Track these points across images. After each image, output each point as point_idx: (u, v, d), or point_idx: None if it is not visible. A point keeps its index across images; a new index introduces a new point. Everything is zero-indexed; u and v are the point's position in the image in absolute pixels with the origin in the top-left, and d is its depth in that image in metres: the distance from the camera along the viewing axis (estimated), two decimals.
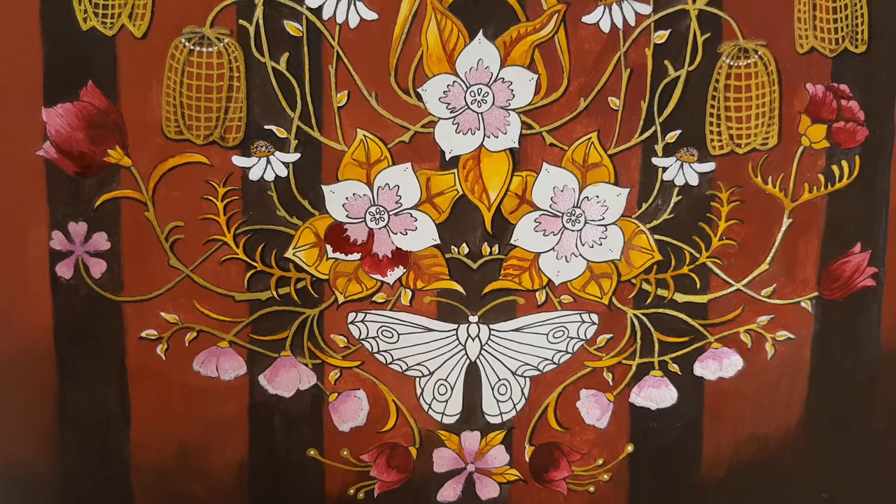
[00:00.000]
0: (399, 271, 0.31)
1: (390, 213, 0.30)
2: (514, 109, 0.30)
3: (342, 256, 0.31)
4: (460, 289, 0.31)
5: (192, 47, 0.29)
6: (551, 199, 0.31)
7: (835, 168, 0.31)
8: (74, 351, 0.31)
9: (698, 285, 0.31)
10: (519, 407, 0.32)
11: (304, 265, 0.31)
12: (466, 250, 0.31)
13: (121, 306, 0.30)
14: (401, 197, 0.30)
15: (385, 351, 0.31)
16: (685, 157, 0.31)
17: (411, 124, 0.30)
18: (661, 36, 0.30)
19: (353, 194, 0.30)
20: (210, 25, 0.29)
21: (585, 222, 0.31)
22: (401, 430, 0.32)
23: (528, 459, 0.33)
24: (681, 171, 0.31)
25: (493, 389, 0.32)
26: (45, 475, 0.32)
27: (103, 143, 0.29)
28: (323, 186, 0.30)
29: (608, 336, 0.32)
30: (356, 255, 0.31)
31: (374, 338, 0.31)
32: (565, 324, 0.32)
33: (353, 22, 0.29)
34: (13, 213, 0.30)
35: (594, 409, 0.32)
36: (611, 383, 0.32)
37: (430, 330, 0.31)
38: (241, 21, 0.29)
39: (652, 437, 0.33)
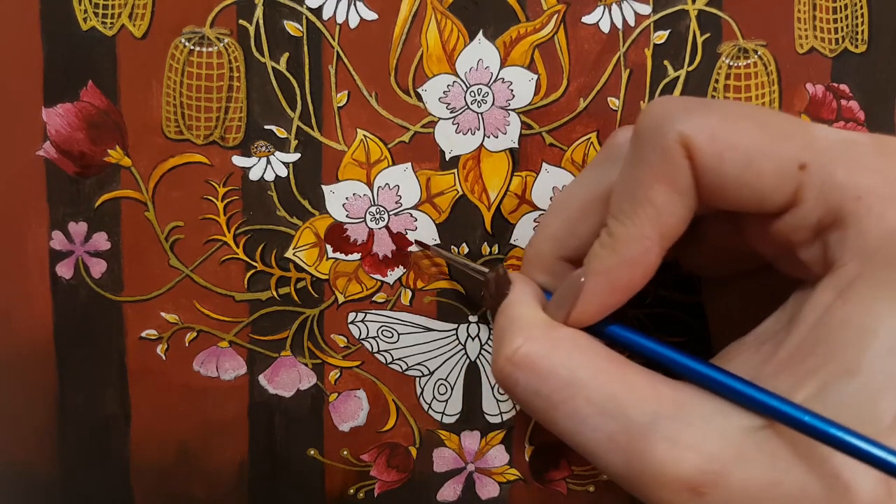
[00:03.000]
0: (399, 271, 0.31)
1: (390, 213, 0.30)
2: (513, 109, 0.30)
3: (342, 256, 0.31)
4: (460, 288, 0.31)
5: (192, 47, 0.29)
6: (551, 199, 0.31)
7: None
8: (74, 351, 0.31)
9: (699, 285, 0.31)
10: (519, 406, 0.32)
11: (304, 265, 0.31)
12: (466, 250, 0.31)
13: (121, 306, 0.30)
14: (401, 197, 0.30)
15: (385, 351, 0.31)
16: None
17: (411, 124, 0.30)
18: (660, 36, 0.30)
19: (353, 194, 0.30)
20: (210, 25, 0.29)
21: None
22: (401, 430, 0.32)
23: (527, 459, 0.33)
24: None
25: (493, 389, 0.32)
26: (45, 475, 0.32)
27: (103, 143, 0.29)
28: (323, 186, 0.30)
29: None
30: (356, 255, 0.31)
31: (374, 338, 0.31)
32: None
33: (353, 22, 0.29)
34: (13, 213, 0.30)
35: None
36: None
37: (430, 330, 0.31)
38: (241, 21, 0.29)
39: None
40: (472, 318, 0.32)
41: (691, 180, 0.21)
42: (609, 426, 0.21)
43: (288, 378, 0.31)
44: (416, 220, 0.30)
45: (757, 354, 0.22)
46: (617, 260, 0.22)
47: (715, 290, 0.29)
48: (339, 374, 0.32)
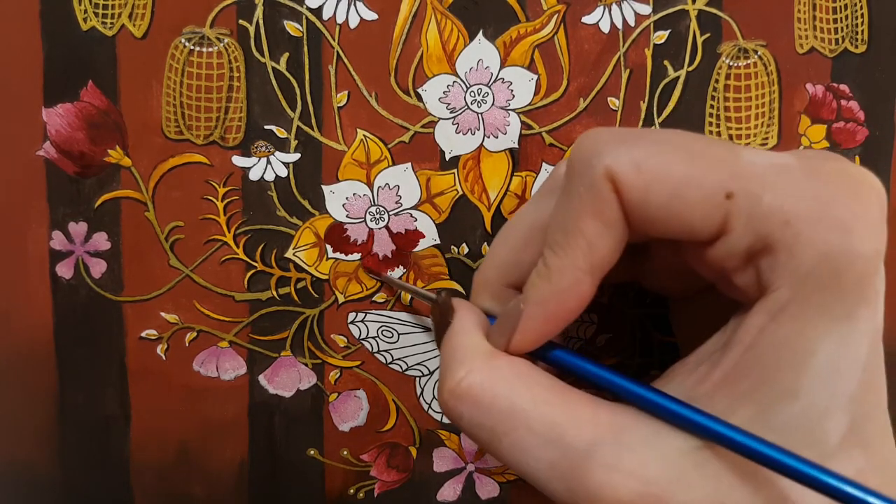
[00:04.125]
0: (399, 271, 0.31)
1: (390, 213, 0.30)
2: (513, 110, 0.30)
3: (342, 256, 0.31)
4: (460, 289, 0.31)
5: (192, 47, 0.29)
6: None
7: None
8: (74, 351, 0.31)
9: None
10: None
11: (304, 265, 0.31)
12: (466, 250, 0.31)
13: (121, 306, 0.30)
14: (401, 197, 0.30)
15: (385, 351, 0.31)
16: None
17: (411, 124, 0.30)
18: (660, 36, 0.30)
19: (353, 194, 0.30)
20: (210, 25, 0.29)
21: None
22: (401, 429, 0.32)
23: None
24: None
25: None
26: (46, 475, 0.32)
27: (103, 143, 0.29)
28: (323, 186, 0.30)
29: (608, 335, 0.32)
30: (356, 255, 0.31)
31: (374, 338, 0.31)
32: None
33: (353, 22, 0.29)
34: (13, 213, 0.30)
35: None
36: None
37: (430, 330, 0.31)
38: (241, 21, 0.29)
39: None
40: None
41: (619, 213, 0.21)
42: (550, 454, 0.21)
43: (288, 378, 0.31)
44: (416, 220, 0.30)
45: (693, 375, 0.22)
46: (551, 290, 0.22)
47: (677, 307, 0.29)
48: (339, 374, 0.32)
